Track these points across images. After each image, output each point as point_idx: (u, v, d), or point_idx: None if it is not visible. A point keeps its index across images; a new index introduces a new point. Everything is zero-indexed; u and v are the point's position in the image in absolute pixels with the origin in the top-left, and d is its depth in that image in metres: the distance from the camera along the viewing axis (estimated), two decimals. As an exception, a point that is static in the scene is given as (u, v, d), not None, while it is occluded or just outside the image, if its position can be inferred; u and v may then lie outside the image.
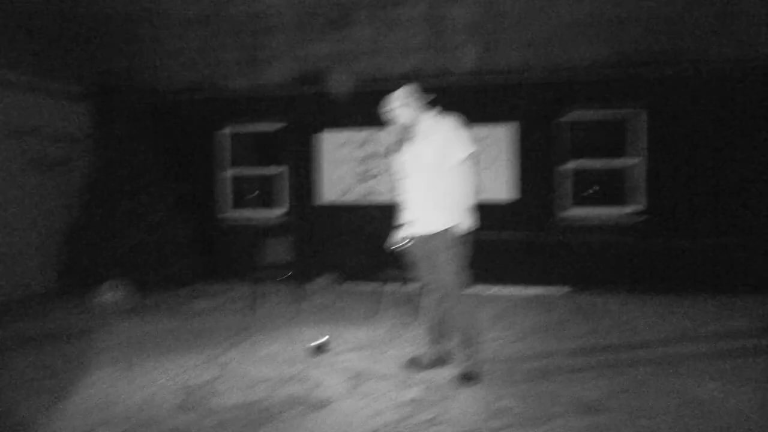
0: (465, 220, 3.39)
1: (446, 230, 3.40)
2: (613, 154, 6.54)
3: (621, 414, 2.90)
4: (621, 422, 2.79)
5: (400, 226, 3.76)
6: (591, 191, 6.69)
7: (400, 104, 3.56)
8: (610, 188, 6.62)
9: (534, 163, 6.50)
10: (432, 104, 3.66)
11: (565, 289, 6.37)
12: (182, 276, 6.76)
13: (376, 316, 5.24)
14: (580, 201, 6.63)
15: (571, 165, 6.54)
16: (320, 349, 4.04)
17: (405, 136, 3.61)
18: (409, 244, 3.70)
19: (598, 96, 6.41)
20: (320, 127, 7.07)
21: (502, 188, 6.53)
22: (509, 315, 5.25)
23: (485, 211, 6.43)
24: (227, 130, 7.50)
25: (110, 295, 5.40)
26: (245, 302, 5.80)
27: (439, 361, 3.69)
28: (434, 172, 3.44)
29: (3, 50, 6.29)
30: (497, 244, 6.46)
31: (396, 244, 3.76)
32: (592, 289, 6.34)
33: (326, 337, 4.12)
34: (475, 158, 3.45)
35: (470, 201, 3.42)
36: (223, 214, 7.47)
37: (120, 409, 3.08)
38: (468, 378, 3.37)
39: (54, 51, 6.96)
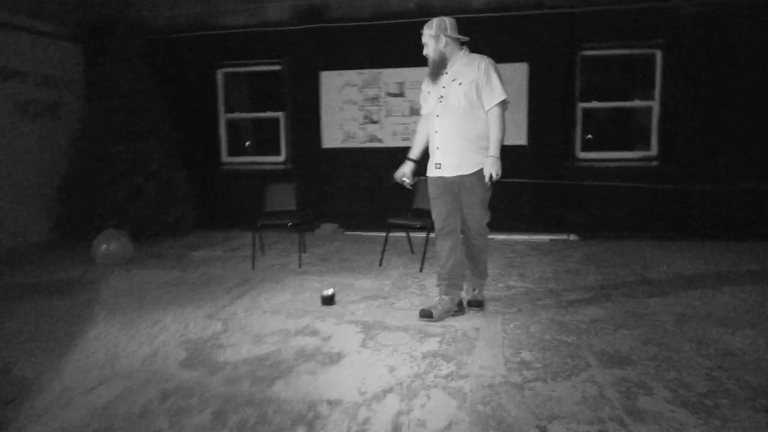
0: (491, 166, 3.28)
1: (474, 173, 3.36)
2: (627, 97, 6.25)
3: (648, 367, 2.76)
4: (649, 375, 2.65)
5: (411, 161, 3.69)
6: (589, 137, 6.41)
7: (432, 35, 3.37)
8: (624, 131, 6.36)
9: (545, 105, 6.20)
10: (465, 44, 3.50)
11: (577, 236, 6.21)
12: (182, 225, 6.58)
13: (381, 265, 5.09)
14: (593, 145, 6.37)
15: (584, 106, 6.24)
16: (328, 300, 3.89)
17: (434, 72, 3.45)
18: (412, 181, 3.69)
19: (613, 33, 6.02)
20: (320, 68, 6.71)
21: (511, 132, 6.24)
22: (521, 263, 5.10)
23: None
24: (224, 72, 7.13)
25: (108, 244, 5.21)
26: (247, 252, 5.63)
27: (451, 312, 3.57)
28: (463, 114, 3.34)
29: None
30: (507, 189, 6.25)
31: (401, 178, 3.69)
32: (604, 236, 6.18)
33: (332, 289, 3.96)
34: (506, 106, 3.37)
35: (498, 147, 3.32)
36: (223, 161, 7.21)
37: (122, 365, 2.94)
38: (478, 305, 3.68)
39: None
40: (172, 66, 7.04)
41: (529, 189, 6.30)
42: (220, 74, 7.10)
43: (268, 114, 7.18)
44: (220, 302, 4.04)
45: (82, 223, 6.09)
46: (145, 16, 6.97)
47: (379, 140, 6.62)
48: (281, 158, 7.08)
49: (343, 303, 3.94)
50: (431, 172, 3.54)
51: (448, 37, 3.35)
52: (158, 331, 3.44)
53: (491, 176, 3.27)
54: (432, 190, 3.54)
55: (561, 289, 4.21)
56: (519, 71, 6.16)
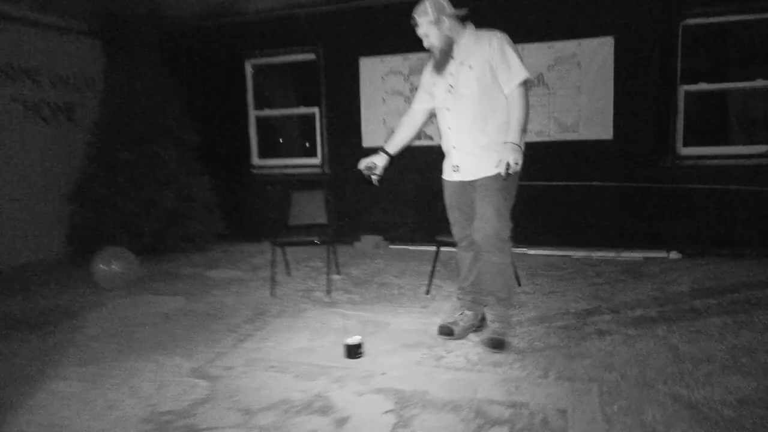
0: (510, 152, 2.64)
1: (493, 175, 2.78)
2: (748, 76, 4.91)
3: None
4: None
5: (386, 154, 3.13)
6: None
7: (431, 21, 2.83)
8: (742, 120, 5.03)
9: (636, 89, 4.97)
10: (467, 18, 2.91)
11: (679, 253, 4.94)
12: (203, 238, 5.79)
13: (429, 294, 4.06)
14: (698, 138, 5.08)
15: (687, 90, 4.97)
16: (353, 352, 2.91)
17: (441, 62, 2.89)
18: (377, 173, 3.08)
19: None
20: (359, 54, 5.76)
21: (593, 123, 5.06)
22: (611, 291, 3.93)
23: (570, 152, 5.03)
24: (251, 63, 6.31)
25: (108, 265, 4.46)
26: (268, 273, 4.73)
27: (473, 328, 3.19)
28: (478, 103, 2.80)
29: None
30: (588, 195, 5.07)
31: (367, 166, 3.09)
32: (715, 253, 4.88)
33: (359, 336, 2.98)
34: (527, 86, 2.78)
35: (519, 133, 2.71)
36: (248, 165, 6.39)
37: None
38: (497, 345, 2.89)
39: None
40: (194, 59, 6.29)
41: (616, 194, 5.09)
42: (248, 66, 6.28)
43: (302, 110, 6.30)
44: (218, 347, 3.15)
45: (94, 237, 5.40)
46: (165, 5, 6.23)
47: (429, 137, 5.57)
48: (317, 161, 6.18)
49: (373, 354, 2.95)
50: (448, 175, 3.05)
51: (449, 17, 2.82)
52: (124, 396, 2.56)
53: (508, 165, 2.61)
54: (447, 196, 3.08)
55: (676, 338, 3.04)
56: (602, 47, 4.96)
